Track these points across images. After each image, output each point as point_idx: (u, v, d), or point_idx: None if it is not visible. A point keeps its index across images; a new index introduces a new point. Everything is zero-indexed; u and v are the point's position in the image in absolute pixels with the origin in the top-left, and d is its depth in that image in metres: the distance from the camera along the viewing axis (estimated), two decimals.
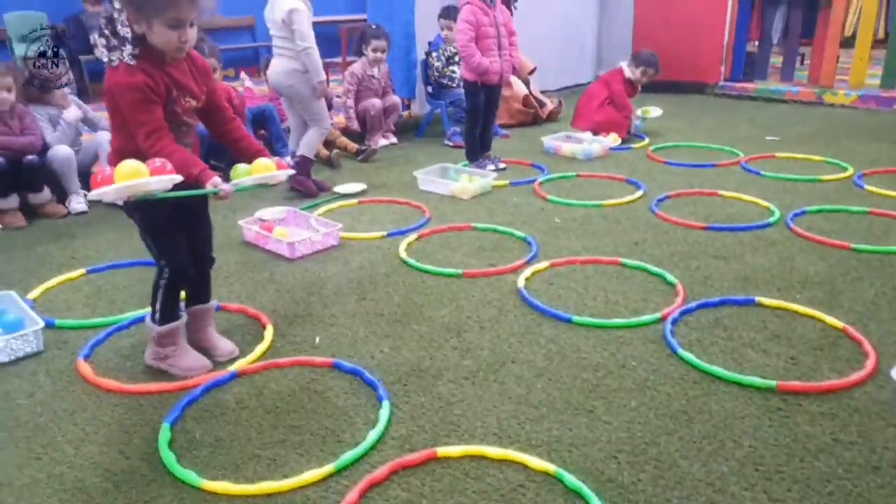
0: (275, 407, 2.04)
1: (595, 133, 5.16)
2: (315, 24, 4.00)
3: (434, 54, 5.51)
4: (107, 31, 1.87)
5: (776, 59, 7.41)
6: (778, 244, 3.20)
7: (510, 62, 4.42)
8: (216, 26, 7.35)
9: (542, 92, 6.42)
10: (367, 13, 5.82)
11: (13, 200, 3.77)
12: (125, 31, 1.85)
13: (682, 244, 3.23)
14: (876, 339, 2.30)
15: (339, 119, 5.34)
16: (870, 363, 2.13)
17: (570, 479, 1.67)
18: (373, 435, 1.86)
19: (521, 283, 2.79)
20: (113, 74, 1.89)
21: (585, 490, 1.64)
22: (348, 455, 1.78)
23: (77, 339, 2.49)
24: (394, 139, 5.51)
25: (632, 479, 1.70)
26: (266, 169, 2.06)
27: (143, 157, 1.88)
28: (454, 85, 5.45)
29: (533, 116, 6.01)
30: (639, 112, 5.52)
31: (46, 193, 3.92)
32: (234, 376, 2.21)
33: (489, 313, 2.59)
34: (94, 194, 1.76)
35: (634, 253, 3.12)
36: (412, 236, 3.38)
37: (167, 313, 2.21)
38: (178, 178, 1.87)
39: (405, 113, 5.88)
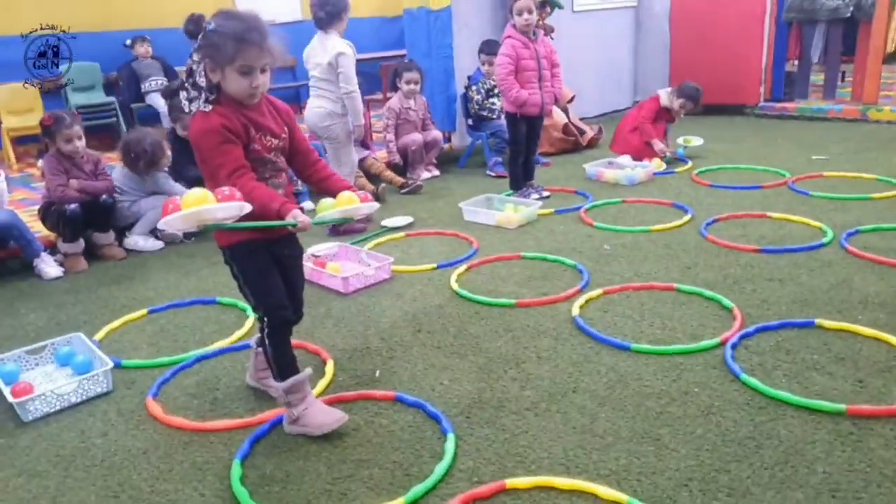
0: (341, 441, 2.08)
1: (636, 159, 5.17)
2: (357, 62, 4.12)
3: (474, 87, 5.61)
4: (188, 84, 1.94)
5: (816, 78, 7.32)
6: (834, 265, 3.14)
7: (551, 93, 4.48)
8: None
9: (582, 119, 6.46)
10: (405, 49, 5.98)
11: (79, 245, 3.93)
12: (202, 81, 1.91)
13: (735, 267, 3.20)
14: None
15: (382, 154, 5.46)
16: None
17: None
18: (441, 468, 1.88)
19: (575, 311, 2.80)
20: (192, 123, 1.94)
21: None
22: (418, 488, 1.80)
23: (144, 378, 2.58)
24: (436, 172, 5.60)
25: None
26: (350, 201, 2.05)
27: None
28: (494, 116, 5.54)
29: (573, 144, 6.04)
30: (680, 141, 5.54)
31: (111, 234, 4.09)
32: None
33: (545, 343, 2.60)
34: (163, 222, 1.76)
35: (687, 278, 3.11)
36: (462, 267, 3.42)
37: (284, 366, 2.11)
38: (247, 206, 1.81)
39: (446, 146, 5.97)
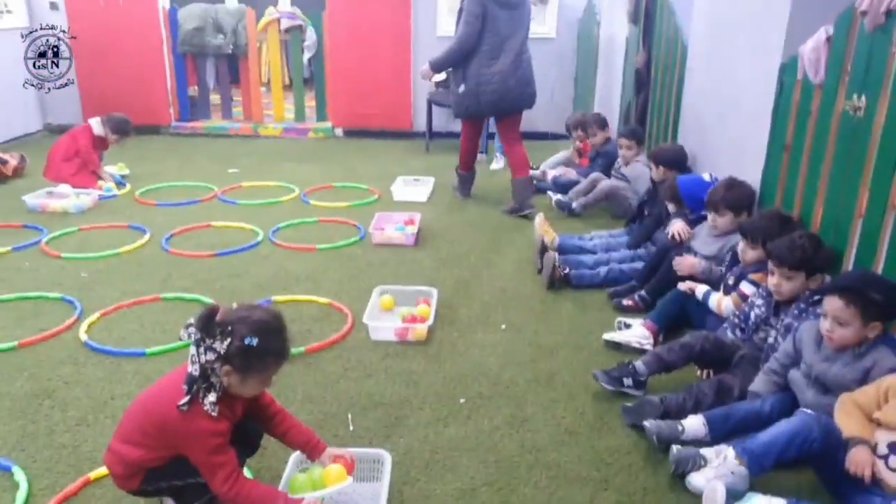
0: None
1: (75, 186, 5.33)
2: None
3: None
4: (200, 383, 1.83)
5: (215, 100, 8.60)
6: (269, 256, 4.27)
7: None
8: None
9: None
10: None
11: None
12: (217, 381, 1.84)
13: (202, 272, 3.98)
14: (347, 303, 3.55)
15: None
16: (349, 322, 3.36)
17: None
18: (21, 494, 2.11)
19: (83, 336, 3.12)
20: (193, 419, 1.81)
21: None
22: None
23: None
24: None
25: None
26: (338, 479, 1.96)
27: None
28: None
29: None
30: (114, 169, 5.90)
31: None
32: None
33: (67, 370, 2.88)
34: None
35: (168, 288, 3.74)
36: None
37: None
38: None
39: None
